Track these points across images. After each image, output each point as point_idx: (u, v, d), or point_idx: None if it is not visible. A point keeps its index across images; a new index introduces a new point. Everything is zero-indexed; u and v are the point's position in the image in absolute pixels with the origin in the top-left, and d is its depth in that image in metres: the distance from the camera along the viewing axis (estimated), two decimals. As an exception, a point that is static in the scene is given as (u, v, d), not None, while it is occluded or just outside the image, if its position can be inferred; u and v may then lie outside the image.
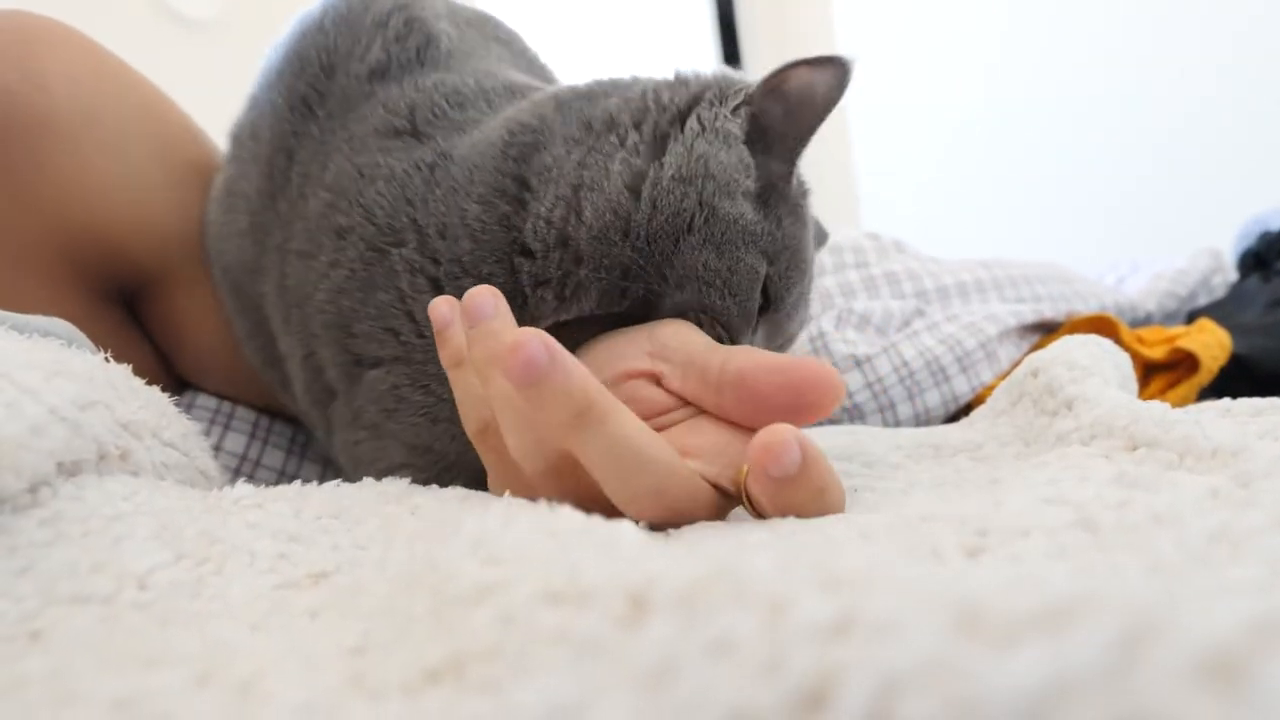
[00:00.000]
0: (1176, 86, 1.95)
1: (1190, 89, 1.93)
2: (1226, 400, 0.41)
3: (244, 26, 1.90)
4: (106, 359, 0.37)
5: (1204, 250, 1.10)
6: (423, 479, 0.45)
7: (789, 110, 0.43)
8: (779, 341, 0.47)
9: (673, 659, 0.14)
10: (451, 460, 0.46)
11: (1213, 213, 1.46)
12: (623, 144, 0.43)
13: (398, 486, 0.37)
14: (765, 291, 0.43)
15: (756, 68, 2.77)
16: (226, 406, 0.67)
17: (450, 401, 0.45)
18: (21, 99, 0.53)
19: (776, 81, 0.43)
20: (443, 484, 0.45)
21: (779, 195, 0.44)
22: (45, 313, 0.44)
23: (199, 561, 0.27)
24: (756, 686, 0.13)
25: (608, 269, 0.41)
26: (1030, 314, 0.84)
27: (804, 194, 0.46)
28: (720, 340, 0.42)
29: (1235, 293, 1.02)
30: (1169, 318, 1.01)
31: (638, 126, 0.43)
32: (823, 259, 0.94)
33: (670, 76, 0.47)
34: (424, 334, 0.45)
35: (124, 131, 0.58)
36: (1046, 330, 0.87)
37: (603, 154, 0.43)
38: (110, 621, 0.23)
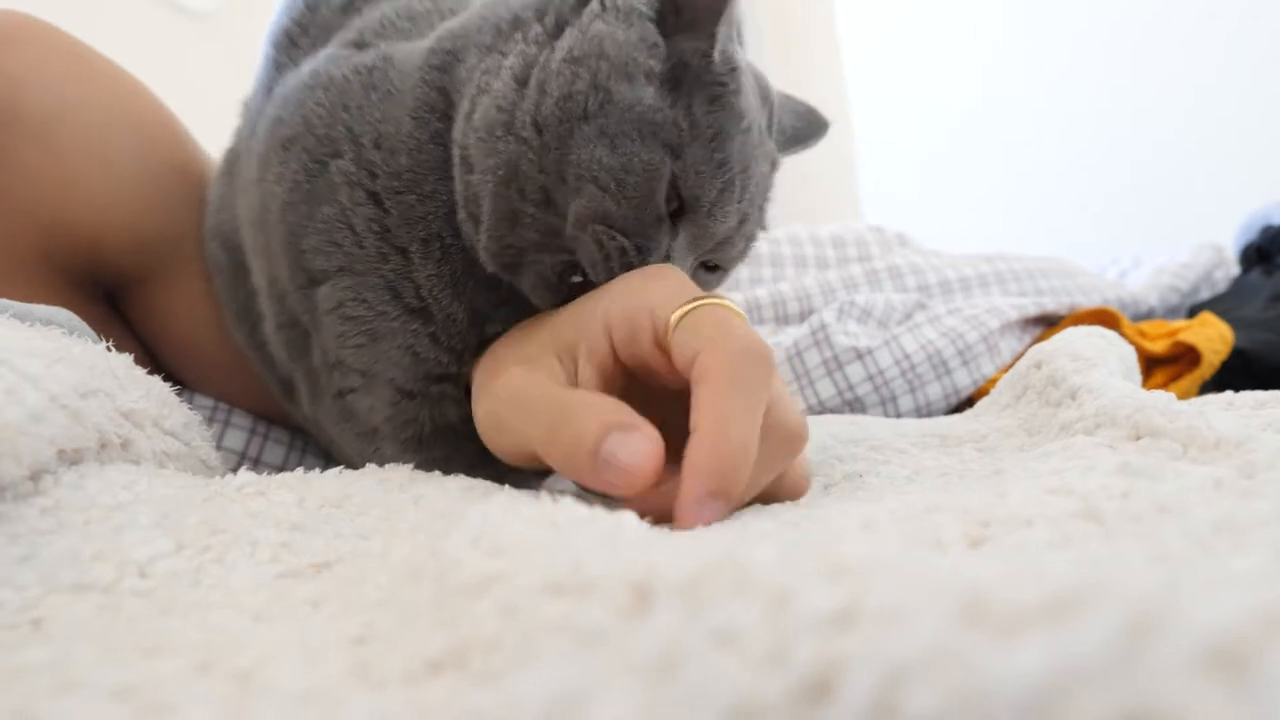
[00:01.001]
0: (1180, 80, 1.95)
1: (1193, 83, 1.92)
2: (1229, 393, 0.41)
3: (244, 17, 1.89)
4: (108, 348, 0.37)
5: (1206, 244, 1.09)
6: (393, 418, 0.45)
7: None
8: (707, 247, 0.42)
9: (676, 650, 0.14)
10: (407, 389, 0.45)
11: (1215, 207, 1.46)
12: (524, 39, 0.41)
13: (400, 474, 0.37)
14: (676, 191, 0.39)
15: (759, 62, 2.76)
16: (224, 406, 0.66)
17: (391, 316, 0.43)
18: None
19: None
20: (412, 418, 0.45)
21: (694, 76, 0.39)
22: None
23: (200, 550, 0.27)
24: (760, 677, 0.13)
25: (493, 170, 0.39)
26: (1032, 307, 0.84)
27: (731, 72, 0.40)
28: (628, 257, 0.38)
29: (1237, 287, 1.02)
30: (1171, 312, 1.01)
31: (541, 19, 0.41)
32: (825, 252, 0.94)
33: None
34: (363, 245, 0.43)
35: (100, 129, 0.57)
36: (1048, 324, 0.87)
37: (502, 54, 0.41)
38: (111, 610, 0.23)
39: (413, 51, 0.45)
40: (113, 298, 0.63)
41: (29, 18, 0.57)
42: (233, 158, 0.57)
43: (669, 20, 0.40)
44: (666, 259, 0.40)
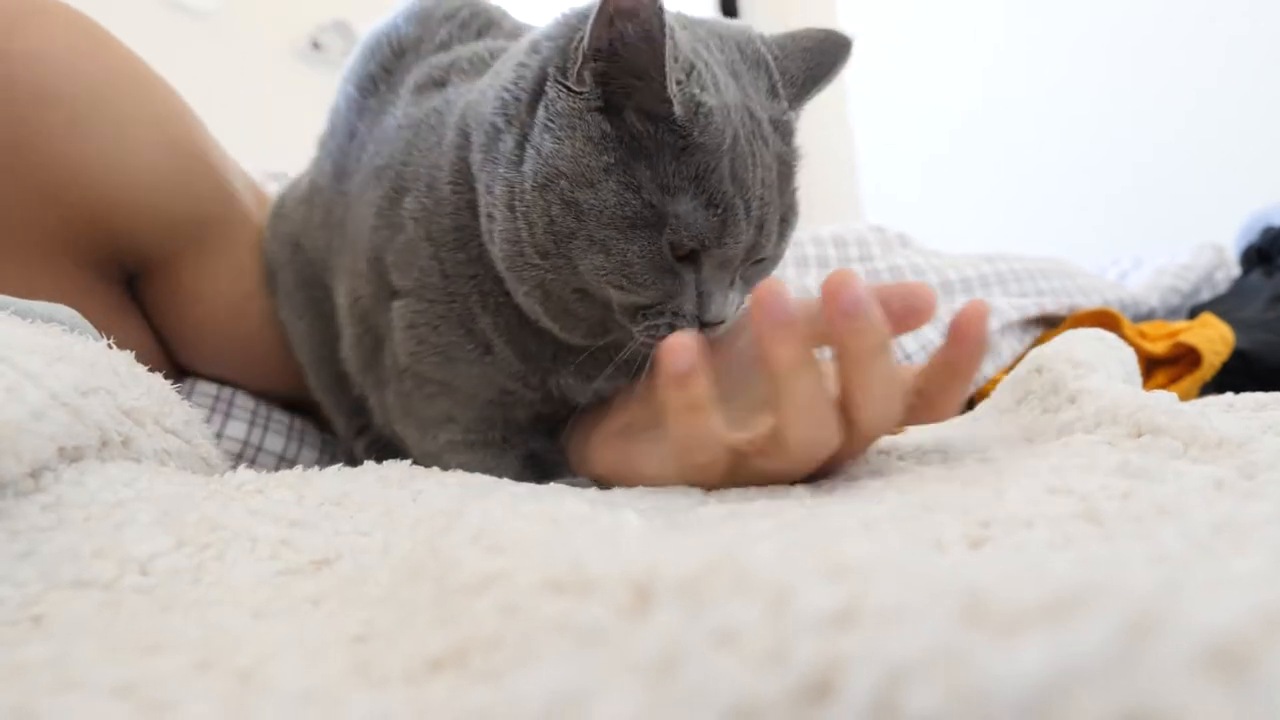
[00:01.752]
0: (1181, 81, 1.94)
1: (1195, 83, 1.92)
2: (1230, 395, 0.41)
3: (246, 17, 1.89)
4: (110, 346, 0.37)
5: (1207, 245, 1.09)
6: (465, 416, 0.50)
7: (638, 32, 0.38)
8: (735, 265, 0.43)
9: (676, 649, 0.14)
10: (483, 398, 0.49)
11: (1216, 208, 1.46)
12: (503, 158, 0.42)
13: (398, 470, 0.37)
14: (690, 252, 0.41)
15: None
16: (226, 393, 0.66)
17: (463, 342, 0.47)
18: (23, 75, 0.53)
19: (607, 13, 0.38)
20: (485, 426, 0.50)
21: (654, 139, 0.39)
22: (41, 291, 0.45)
23: (200, 547, 0.27)
24: (761, 676, 0.13)
25: (530, 292, 0.43)
26: (1032, 308, 0.84)
27: (693, 115, 0.39)
28: (677, 328, 0.41)
29: (1238, 288, 1.02)
30: (1172, 313, 1.01)
31: (510, 126, 0.42)
32: (826, 252, 0.94)
33: (544, 31, 0.44)
34: (430, 277, 0.47)
35: (125, 111, 0.57)
36: (1049, 324, 0.87)
37: (494, 162, 0.43)
38: (112, 607, 0.23)
39: (455, 106, 0.48)
40: (130, 280, 0.63)
41: None
42: (313, 189, 0.60)
43: (616, 96, 0.40)
44: (700, 295, 0.42)
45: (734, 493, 0.37)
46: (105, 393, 0.32)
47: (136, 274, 0.62)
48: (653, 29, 0.38)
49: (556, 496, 0.30)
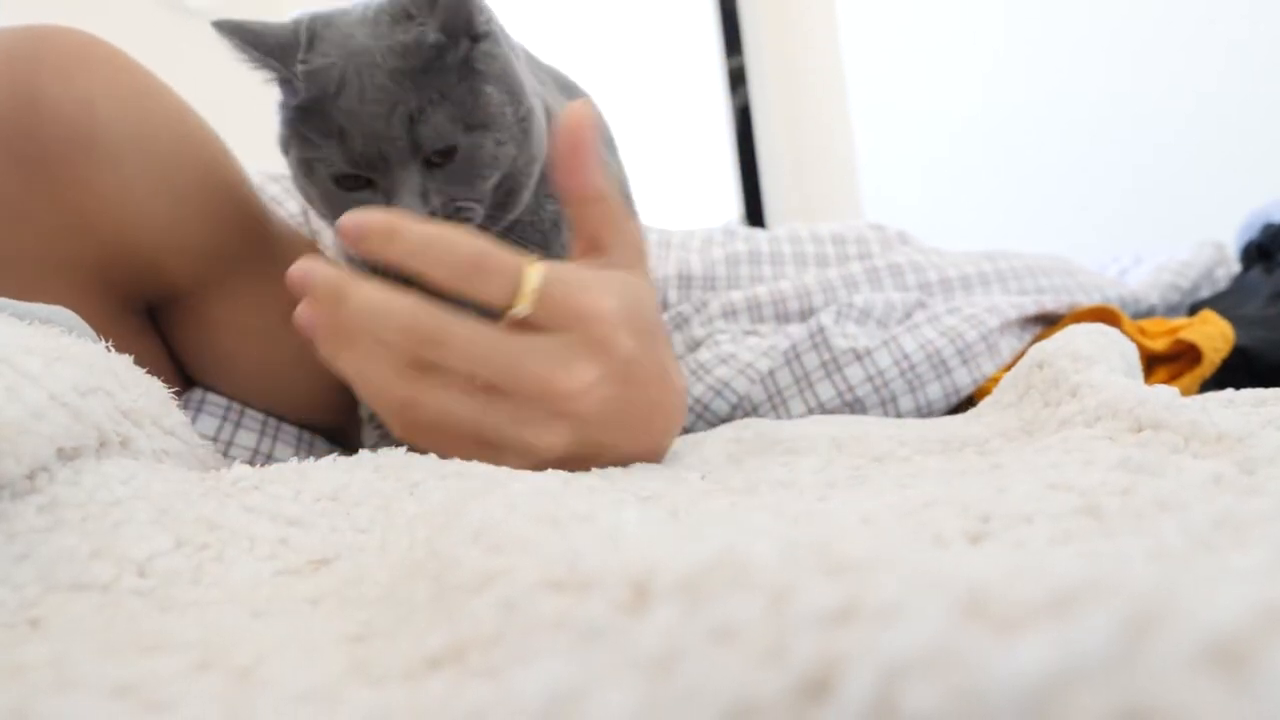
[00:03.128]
0: (1181, 78, 1.94)
1: (1194, 80, 1.92)
2: (1229, 391, 0.41)
3: (244, 16, 1.89)
4: (108, 348, 0.37)
5: (1207, 242, 1.09)
6: None
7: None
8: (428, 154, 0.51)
9: (675, 646, 0.14)
10: None
11: (1216, 205, 1.46)
12: None
13: (393, 458, 0.37)
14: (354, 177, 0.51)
15: (759, 58, 2.76)
16: (237, 404, 0.67)
17: None
18: (68, 118, 0.53)
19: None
20: None
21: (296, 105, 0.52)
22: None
23: (199, 548, 0.27)
24: (760, 674, 0.13)
25: None
26: (1032, 306, 0.84)
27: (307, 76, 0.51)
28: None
29: (1238, 285, 1.02)
30: (1172, 310, 1.01)
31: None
32: (825, 250, 0.94)
33: None
34: None
35: (168, 154, 0.58)
36: (1048, 322, 0.86)
37: None
38: (110, 609, 0.23)
39: None
40: (152, 309, 0.63)
41: (93, 38, 0.57)
42: None
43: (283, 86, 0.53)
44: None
45: (734, 485, 0.37)
46: (104, 393, 0.32)
47: (159, 305, 0.63)
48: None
49: (557, 495, 0.30)
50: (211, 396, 0.66)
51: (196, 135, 0.61)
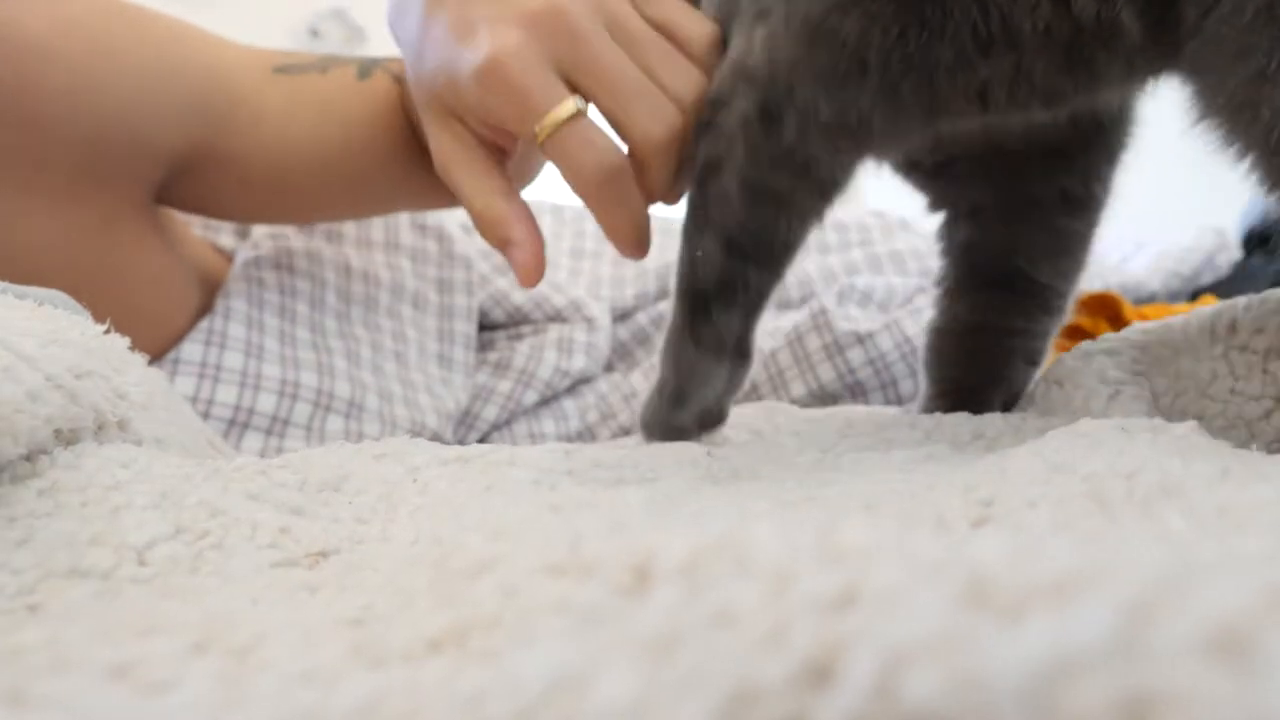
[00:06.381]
0: (1184, 63, 1.93)
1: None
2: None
3: (244, 4, 1.88)
4: (107, 330, 0.37)
5: (1208, 229, 1.09)
6: None
7: None
8: None
9: (675, 630, 0.14)
10: None
11: (1217, 191, 1.45)
12: None
13: (394, 444, 0.36)
14: None
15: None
16: (214, 355, 0.66)
17: None
18: (28, 35, 0.53)
19: None
20: None
21: None
22: (61, 231, 0.51)
23: (199, 535, 0.27)
24: (760, 658, 0.13)
25: None
26: (1034, 291, 0.84)
27: None
28: None
29: (1240, 271, 1.02)
30: (1173, 296, 1.00)
31: None
32: (826, 236, 0.94)
33: None
34: None
35: (108, 34, 0.58)
36: (1050, 308, 0.86)
37: None
38: (108, 596, 0.23)
39: None
40: (164, 193, 0.64)
41: None
42: None
43: None
44: None
45: (735, 468, 0.37)
46: (100, 376, 0.32)
47: (167, 185, 0.63)
48: None
49: (557, 484, 0.30)
50: (220, 394, 0.65)
51: (140, 17, 0.61)
